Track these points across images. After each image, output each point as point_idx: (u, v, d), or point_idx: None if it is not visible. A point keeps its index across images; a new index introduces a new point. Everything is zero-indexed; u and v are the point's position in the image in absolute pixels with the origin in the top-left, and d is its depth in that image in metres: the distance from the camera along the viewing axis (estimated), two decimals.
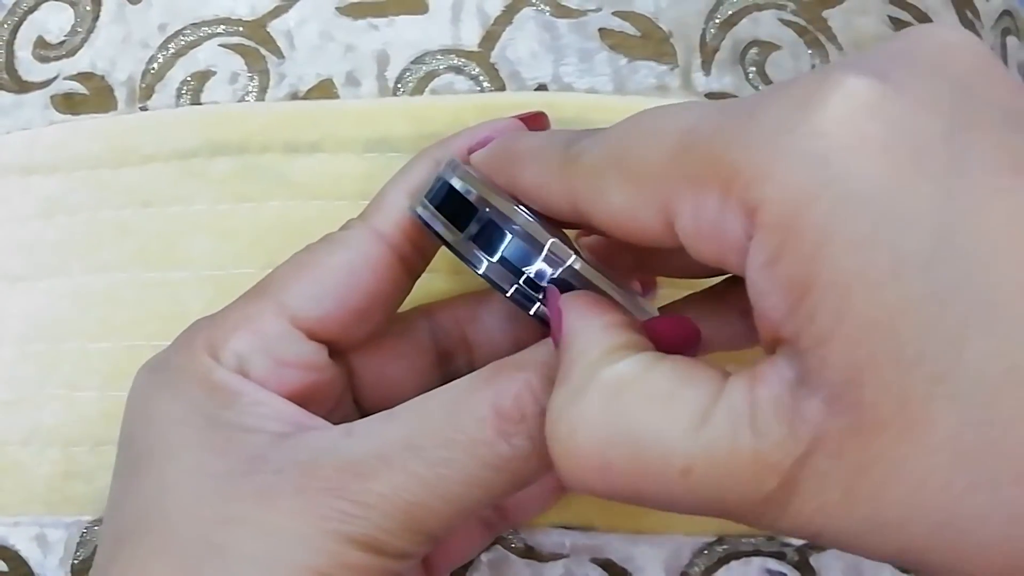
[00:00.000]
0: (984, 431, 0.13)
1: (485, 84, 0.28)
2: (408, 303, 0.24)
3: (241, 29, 0.29)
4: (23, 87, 0.30)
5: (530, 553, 0.26)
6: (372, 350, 0.24)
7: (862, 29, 0.29)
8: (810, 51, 0.29)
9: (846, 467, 0.14)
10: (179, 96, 0.29)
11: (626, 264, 0.23)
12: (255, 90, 0.29)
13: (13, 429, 0.27)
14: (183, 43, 0.29)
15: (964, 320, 0.13)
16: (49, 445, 0.27)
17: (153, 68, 0.29)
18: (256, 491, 0.18)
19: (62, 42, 0.30)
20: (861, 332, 0.14)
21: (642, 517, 0.26)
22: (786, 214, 0.14)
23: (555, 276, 0.19)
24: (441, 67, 0.28)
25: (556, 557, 0.26)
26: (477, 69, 0.28)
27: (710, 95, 0.28)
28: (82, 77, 0.30)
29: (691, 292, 0.22)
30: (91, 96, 0.30)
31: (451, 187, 0.20)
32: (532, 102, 0.28)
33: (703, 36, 0.29)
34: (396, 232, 0.22)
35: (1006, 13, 0.33)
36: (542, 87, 0.28)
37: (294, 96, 0.29)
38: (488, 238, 0.20)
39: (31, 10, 0.31)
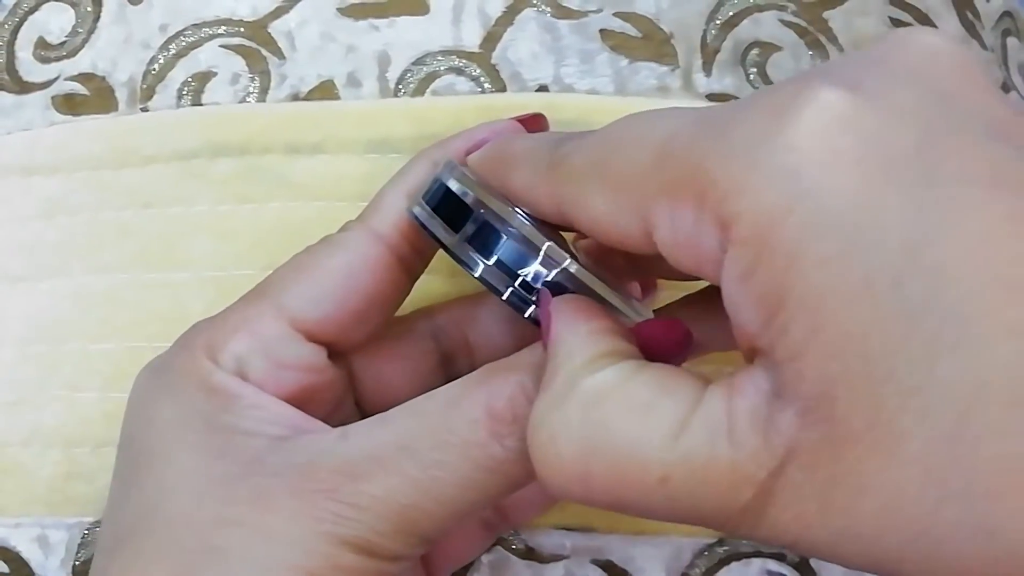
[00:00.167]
0: (955, 446, 0.13)
1: (486, 85, 0.28)
2: (408, 305, 0.24)
3: (242, 30, 0.29)
4: (24, 88, 0.30)
5: (531, 554, 0.26)
6: (373, 353, 0.24)
7: (863, 30, 0.29)
8: (811, 52, 0.29)
9: (820, 479, 0.14)
10: (180, 97, 0.29)
11: (622, 267, 0.23)
12: (256, 91, 0.29)
13: (14, 430, 0.27)
14: (184, 44, 0.29)
15: (934, 336, 0.13)
16: (50, 446, 0.27)
17: (154, 69, 0.29)
18: (253, 494, 0.18)
19: (63, 43, 0.30)
20: (833, 348, 0.14)
21: (642, 519, 0.26)
22: (759, 229, 0.14)
23: (550, 279, 0.19)
24: (442, 68, 0.28)
25: (557, 558, 0.26)
26: (478, 70, 0.28)
27: (711, 96, 0.28)
28: (83, 78, 0.30)
29: (688, 293, 0.22)
30: (92, 97, 0.30)
31: (447, 189, 0.20)
32: (533, 103, 0.28)
33: (704, 37, 0.29)
34: (394, 233, 0.22)
35: (1007, 14, 0.33)
36: (543, 88, 0.28)
37: (295, 97, 0.29)
38: (484, 240, 0.20)
39: (32, 10, 0.31)
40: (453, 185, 0.20)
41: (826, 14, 0.29)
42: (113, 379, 0.27)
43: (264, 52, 0.29)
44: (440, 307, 0.25)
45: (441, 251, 0.23)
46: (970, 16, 0.31)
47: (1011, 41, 0.33)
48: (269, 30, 0.29)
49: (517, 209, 0.20)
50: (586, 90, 0.28)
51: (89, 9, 0.30)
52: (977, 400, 0.13)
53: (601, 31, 0.29)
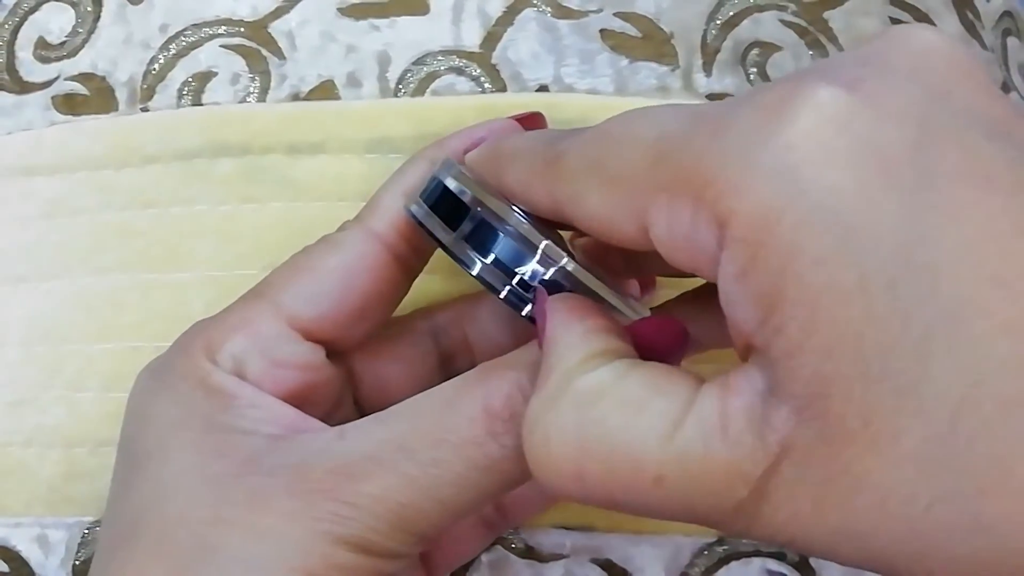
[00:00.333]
0: (948, 444, 0.13)
1: (486, 85, 0.28)
2: (408, 305, 0.24)
3: (242, 30, 0.29)
4: (24, 88, 0.30)
5: (530, 553, 0.26)
6: (372, 353, 0.24)
7: (863, 30, 0.29)
8: (811, 52, 0.29)
9: (814, 477, 0.14)
10: (180, 97, 0.29)
11: (619, 264, 0.23)
12: (256, 91, 0.29)
13: (15, 430, 0.27)
14: (184, 44, 0.29)
15: (928, 335, 0.13)
16: (51, 446, 0.27)
17: (154, 69, 0.29)
18: (249, 493, 0.18)
19: (63, 43, 0.30)
20: (828, 347, 0.14)
21: (642, 518, 0.26)
22: (755, 228, 0.14)
23: (547, 277, 0.19)
24: (442, 68, 0.28)
25: (556, 557, 0.26)
26: (478, 70, 0.28)
27: (711, 96, 0.28)
28: (83, 78, 0.30)
29: (685, 291, 0.22)
30: (92, 97, 0.30)
31: (445, 187, 0.20)
32: (533, 103, 0.28)
33: (704, 37, 0.29)
34: (392, 232, 0.22)
35: (1007, 14, 0.33)
36: (543, 88, 0.28)
37: (295, 97, 0.29)
38: (481, 238, 0.20)
39: (32, 10, 0.31)
40: (451, 183, 0.20)
41: (826, 14, 0.29)
42: (114, 379, 0.27)
43: (264, 52, 0.29)
44: (439, 307, 0.25)
45: (439, 250, 0.23)
46: (970, 16, 0.31)
47: (1011, 41, 0.33)
48: (269, 30, 0.29)
49: (515, 207, 0.20)
50: (586, 90, 0.28)
51: (89, 9, 0.30)
52: (971, 399, 0.13)
53: (601, 31, 0.29)
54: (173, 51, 0.29)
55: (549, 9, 0.29)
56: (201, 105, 0.29)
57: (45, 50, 0.30)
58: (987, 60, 0.32)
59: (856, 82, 0.15)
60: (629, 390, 0.16)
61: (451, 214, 0.20)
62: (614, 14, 0.29)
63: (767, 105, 0.15)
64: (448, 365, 0.25)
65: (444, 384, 0.20)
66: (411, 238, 0.22)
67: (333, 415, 0.22)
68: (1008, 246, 0.14)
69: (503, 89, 0.28)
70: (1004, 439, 0.13)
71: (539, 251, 0.19)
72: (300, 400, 0.21)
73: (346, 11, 0.29)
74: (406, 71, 0.28)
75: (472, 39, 0.29)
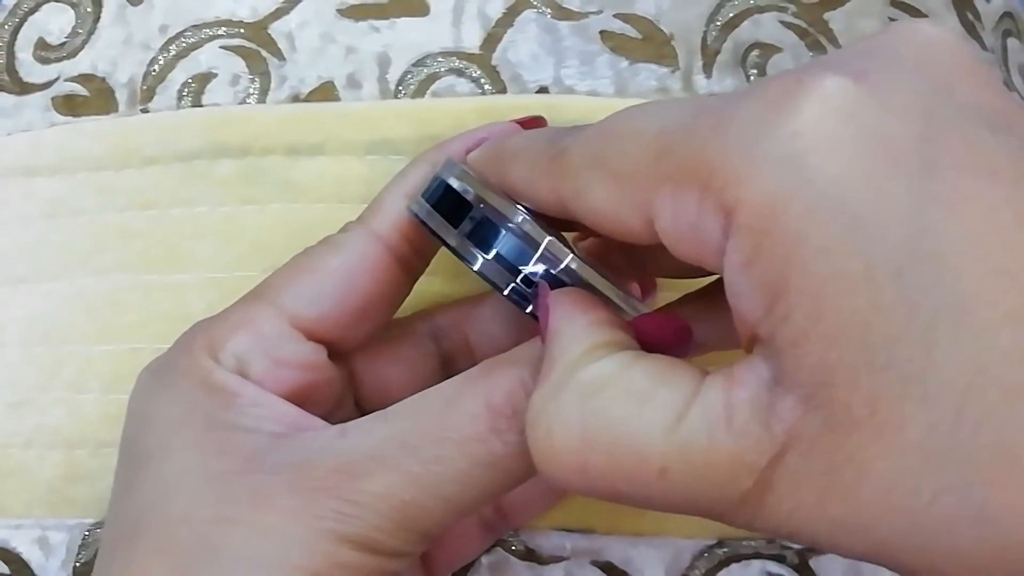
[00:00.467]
0: (954, 433, 0.13)
1: (486, 86, 0.28)
2: (409, 307, 0.24)
3: (242, 31, 0.29)
4: (24, 89, 0.30)
5: (530, 555, 0.26)
6: (373, 355, 0.24)
7: (863, 31, 0.29)
8: (811, 53, 0.29)
9: (820, 467, 0.14)
10: (180, 98, 0.29)
11: (622, 266, 0.23)
12: (256, 92, 0.29)
13: (16, 431, 0.27)
14: (184, 45, 0.29)
15: (934, 324, 0.13)
16: (51, 447, 0.27)
17: (154, 70, 0.29)
18: (252, 491, 0.18)
19: (63, 43, 0.30)
20: (833, 335, 0.14)
21: (642, 520, 0.26)
22: (761, 217, 0.14)
23: (551, 274, 0.19)
24: (442, 69, 0.28)
25: (556, 560, 0.26)
26: (478, 71, 0.28)
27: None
28: (83, 79, 0.30)
29: (687, 292, 0.22)
30: (92, 98, 0.30)
31: (448, 186, 0.20)
32: (533, 104, 0.28)
33: (704, 38, 0.29)
34: (393, 234, 0.22)
35: (1007, 15, 0.33)
36: (543, 89, 0.28)
37: (295, 98, 0.29)
38: (484, 236, 0.20)
39: (32, 11, 0.31)
40: (454, 182, 0.20)
41: (827, 15, 0.29)
42: (114, 381, 0.27)
43: (264, 53, 0.29)
44: (440, 309, 0.25)
45: (441, 252, 0.23)
46: (970, 17, 0.31)
47: (1011, 42, 0.33)
48: (269, 31, 0.29)
49: (518, 206, 0.20)
50: (586, 91, 0.28)
51: (89, 10, 0.30)
52: (976, 388, 0.13)
53: (601, 32, 0.29)
54: (173, 52, 0.29)
55: (549, 10, 0.29)
56: (201, 106, 0.29)
57: (45, 51, 0.30)
58: (987, 61, 0.32)
59: (861, 74, 0.15)
60: (633, 381, 0.16)
61: (454, 212, 0.20)
62: (614, 15, 0.29)
63: (772, 95, 0.15)
64: (449, 367, 0.25)
65: (446, 381, 0.19)
66: (413, 240, 0.22)
67: (334, 416, 0.22)
68: (1011, 237, 0.14)
69: (503, 91, 0.28)
70: (1009, 428, 0.13)
71: (542, 248, 0.19)
72: (302, 400, 0.21)
73: (346, 12, 0.29)
74: (406, 72, 0.28)
75: (472, 40, 0.29)
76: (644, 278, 0.25)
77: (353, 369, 0.24)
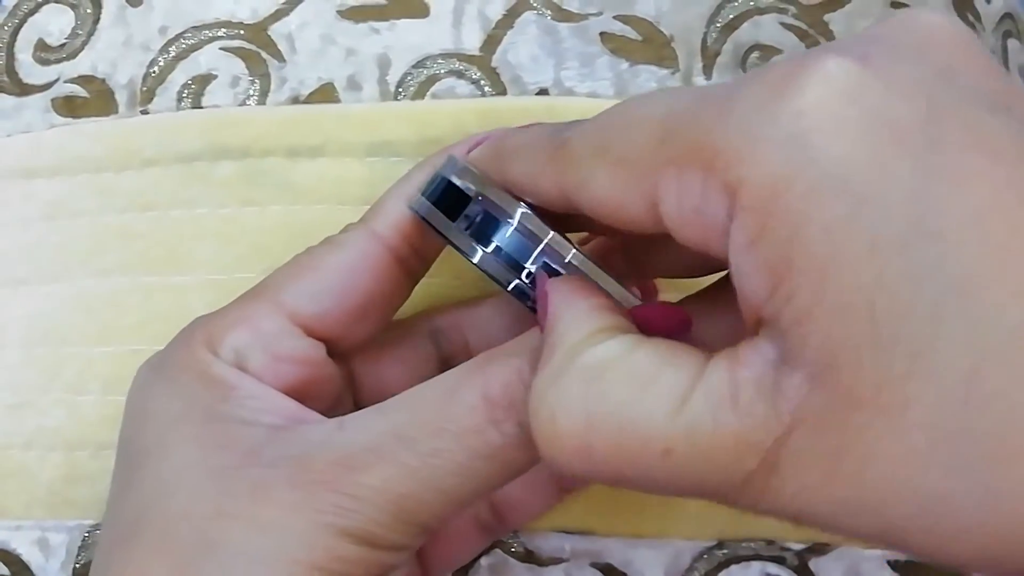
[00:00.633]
0: (960, 412, 0.13)
1: (486, 88, 0.28)
2: (410, 308, 0.24)
3: (242, 32, 0.29)
4: (24, 90, 0.30)
5: (530, 557, 0.26)
6: (373, 355, 0.24)
7: None
8: None
9: (826, 446, 0.14)
10: (180, 100, 0.29)
11: (622, 267, 0.23)
12: (256, 94, 0.29)
13: (16, 433, 0.27)
14: (184, 46, 0.29)
15: (939, 302, 0.13)
16: (52, 449, 0.27)
17: (154, 71, 0.29)
18: (250, 486, 0.18)
19: (63, 45, 0.30)
20: (838, 313, 0.14)
21: (642, 521, 0.26)
22: (765, 196, 0.14)
23: (553, 270, 0.19)
24: (442, 71, 0.28)
25: (556, 561, 0.26)
26: (478, 73, 0.28)
27: None
28: (83, 80, 0.30)
29: (688, 295, 0.22)
30: (92, 99, 0.30)
31: (450, 182, 0.20)
32: (533, 106, 0.28)
33: (704, 40, 0.29)
34: (394, 234, 0.22)
35: (1007, 16, 0.33)
36: (543, 91, 0.28)
37: (295, 100, 0.29)
38: (486, 232, 0.20)
39: (32, 12, 0.31)
40: (456, 180, 0.20)
41: (827, 17, 0.29)
42: (114, 382, 0.27)
43: (264, 55, 0.29)
44: (440, 310, 0.25)
45: (442, 255, 0.24)
46: (971, 18, 0.31)
47: (1012, 43, 0.33)
48: (269, 33, 0.29)
49: (520, 202, 0.20)
50: (586, 93, 0.28)
51: (89, 11, 0.30)
52: (983, 364, 0.13)
53: (601, 34, 0.29)
54: (173, 53, 0.29)
55: (549, 12, 0.29)
56: (201, 108, 0.29)
57: (45, 52, 0.30)
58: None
59: (864, 56, 0.15)
60: (636, 363, 0.16)
61: (455, 209, 0.20)
62: (614, 17, 0.29)
63: (775, 78, 0.15)
64: (448, 368, 0.25)
65: (444, 374, 0.19)
66: (414, 241, 0.22)
67: (333, 414, 0.22)
68: (1014, 216, 0.14)
69: (503, 92, 0.28)
70: (1016, 407, 0.13)
71: (544, 242, 0.19)
72: (300, 396, 0.21)
73: (346, 14, 0.29)
74: (406, 74, 0.28)
75: (472, 42, 0.29)
76: (645, 279, 0.25)
77: (352, 369, 0.24)
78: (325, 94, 0.28)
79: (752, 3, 0.29)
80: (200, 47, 0.29)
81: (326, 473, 0.18)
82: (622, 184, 0.17)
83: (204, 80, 0.29)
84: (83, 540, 0.27)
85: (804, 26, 0.29)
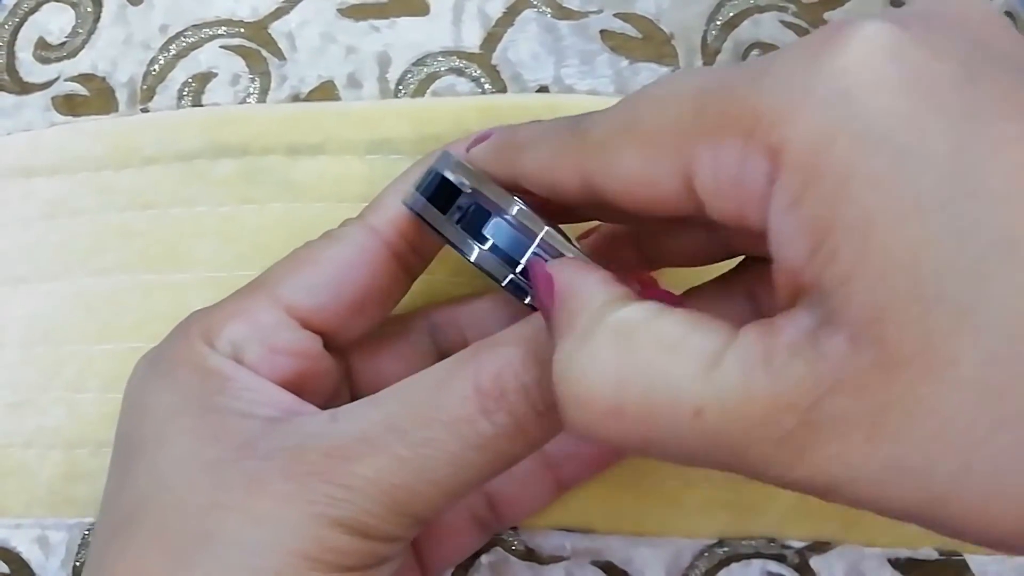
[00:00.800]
0: (1009, 367, 0.13)
1: (487, 86, 0.28)
2: (408, 304, 0.24)
3: (242, 31, 0.29)
4: (24, 88, 0.30)
5: (530, 555, 0.26)
6: (371, 351, 0.24)
7: None
8: None
9: (870, 405, 0.14)
10: (180, 98, 0.29)
11: (631, 258, 0.23)
12: (256, 92, 0.29)
13: (16, 431, 0.27)
14: (184, 44, 0.29)
15: (984, 256, 0.13)
16: (51, 447, 0.27)
17: (154, 70, 0.29)
18: (245, 477, 0.18)
19: (63, 43, 0.30)
20: (883, 270, 0.14)
21: (643, 519, 0.26)
22: (809, 154, 0.14)
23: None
24: (442, 69, 0.28)
25: (556, 559, 0.26)
26: (478, 71, 0.28)
27: None
28: (83, 78, 0.30)
29: (690, 287, 0.22)
30: (92, 97, 0.30)
31: (444, 177, 0.20)
32: (533, 104, 0.28)
33: (704, 38, 0.29)
34: (391, 230, 0.22)
35: (1007, 15, 0.33)
36: (543, 89, 0.28)
37: (295, 98, 0.29)
38: (482, 228, 0.20)
39: (32, 11, 0.31)
40: (449, 175, 0.20)
41: (827, 15, 0.29)
42: (114, 380, 0.27)
43: (264, 53, 0.29)
44: (438, 306, 0.25)
45: (441, 253, 0.23)
46: None
47: None
48: (269, 31, 0.29)
49: (515, 197, 0.20)
50: (586, 91, 0.28)
51: (89, 10, 0.30)
52: None
53: (601, 32, 0.29)
54: (173, 52, 0.29)
55: (549, 10, 0.29)
56: (201, 106, 0.29)
57: (45, 51, 0.30)
58: None
59: (903, 22, 0.15)
60: (664, 327, 0.16)
61: (449, 204, 0.20)
62: (614, 15, 0.29)
63: (814, 41, 0.15)
64: None
65: (436, 365, 0.19)
66: (411, 237, 0.22)
67: (329, 407, 0.22)
68: None
69: (503, 90, 0.28)
70: None
71: (539, 238, 0.19)
72: (297, 388, 0.21)
73: (346, 12, 0.29)
74: (406, 72, 0.28)
75: (472, 40, 0.29)
76: (654, 268, 0.25)
77: (350, 365, 0.24)
78: (325, 92, 0.28)
79: (752, 1, 0.29)
80: (200, 45, 0.29)
81: (319, 464, 0.18)
82: (652, 162, 0.17)
83: (204, 78, 0.29)
84: (83, 538, 0.27)
85: (804, 24, 0.29)
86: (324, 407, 0.21)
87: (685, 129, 0.16)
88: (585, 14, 0.29)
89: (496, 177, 0.20)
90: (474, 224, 0.20)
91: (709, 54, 0.28)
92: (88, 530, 0.27)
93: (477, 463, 0.18)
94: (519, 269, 0.19)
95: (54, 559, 0.26)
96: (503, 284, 0.20)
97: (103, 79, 0.30)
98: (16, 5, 0.31)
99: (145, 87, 0.29)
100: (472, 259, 0.20)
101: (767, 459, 0.15)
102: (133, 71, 0.29)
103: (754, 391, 0.14)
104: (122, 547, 0.19)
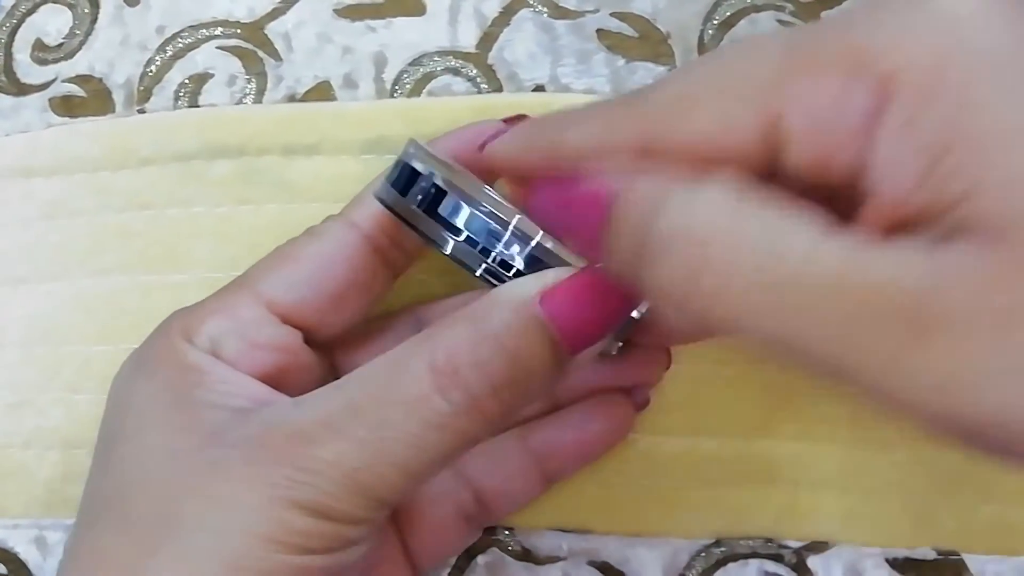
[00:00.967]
0: None
1: (483, 85, 0.28)
2: (395, 302, 0.24)
3: (239, 31, 0.29)
4: (21, 89, 0.30)
5: (527, 556, 0.26)
6: (355, 348, 0.24)
7: None
8: None
9: (999, 305, 0.13)
10: (177, 99, 0.29)
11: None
12: (253, 92, 0.29)
13: (15, 432, 0.27)
14: (181, 45, 0.30)
15: None
16: (50, 448, 0.27)
17: (151, 71, 0.29)
18: (210, 464, 0.19)
19: (60, 44, 0.30)
20: (1008, 181, 0.14)
21: (640, 519, 0.26)
22: (925, 75, 0.14)
23: (523, 253, 0.19)
24: (438, 69, 0.28)
25: (553, 560, 0.26)
26: (475, 70, 0.28)
27: None
28: (80, 80, 0.30)
29: None
30: (89, 98, 0.30)
31: (413, 169, 0.20)
32: (530, 103, 0.28)
33: (701, 37, 0.29)
34: (371, 224, 0.22)
35: None
36: (540, 88, 0.28)
37: (292, 98, 0.29)
38: (453, 217, 0.20)
39: (29, 12, 0.31)
40: (418, 165, 0.20)
41: (824, 14, 0.29)
42: (110, 382, 0.27)
43: (261, 53, 0.29)
44: (423, 303, 0.25)
45: (432, 252, 0.23)
46: None
47: None
48: (266, 31, 0.29)
49: (485, 187, 0.20)
50: (583, 90, 0.28)
51: (86, 11, 0.30)
52: None
53: (598, 31, 0.28)
54: (170, 53, 0.29)
55: (545, 9, 0.29)
56: (198, 107, 0.29)
57: (42, 52, 0.31)
58: None
59: None
60: (758, 206, 0.15)
61: (420, 194, 0.20)
62: (610, 14, 0.29)
63: None
64: None
65: (395, 348, 0.19)
66: (392, 233, 0.22)
67: None
68: None
69: (499, 89, 0.28)
70: None
71: (511, 225, 0.19)
72: (276, 382, 0.21)
73: (342, 12, 0.29)
74: (402, 72, 0.28)
75: (468, 40, 0.29)
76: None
77: (335, 362, 0.24)
78: (321, 92, 0.28)
79: (749, 0, 0.29)
80: (197, 46, 0.29)
81: (281, 448, 0.18)
82: (732, 109, 0.16)
83: (201, 79, 0.29)
84: None
85: (801, 23, 0.29)
86: None
87: (775, 71, 0.16)
88: (581, 13, 0.29)
89: (524, 162, 0.20)
90: (449, 218, 0.20)
91: (706, 53, 0.28)
92: None
93: (436, 443, 0.18)
94: (491, 258, 0.19)
95: (51, 559, 0.27)
96: (477, 274, 0.20)
97: (100, 80, 0.30)
98: (13, 6, 0.31)
99: (142, 88, 0.29)
100: (447, 252, 0.20)
101: (883, 359, 0.14)
102: (130, 72, 0.30)
103: (870, 277, 0.14)
104: (91, 536, 0.19)
